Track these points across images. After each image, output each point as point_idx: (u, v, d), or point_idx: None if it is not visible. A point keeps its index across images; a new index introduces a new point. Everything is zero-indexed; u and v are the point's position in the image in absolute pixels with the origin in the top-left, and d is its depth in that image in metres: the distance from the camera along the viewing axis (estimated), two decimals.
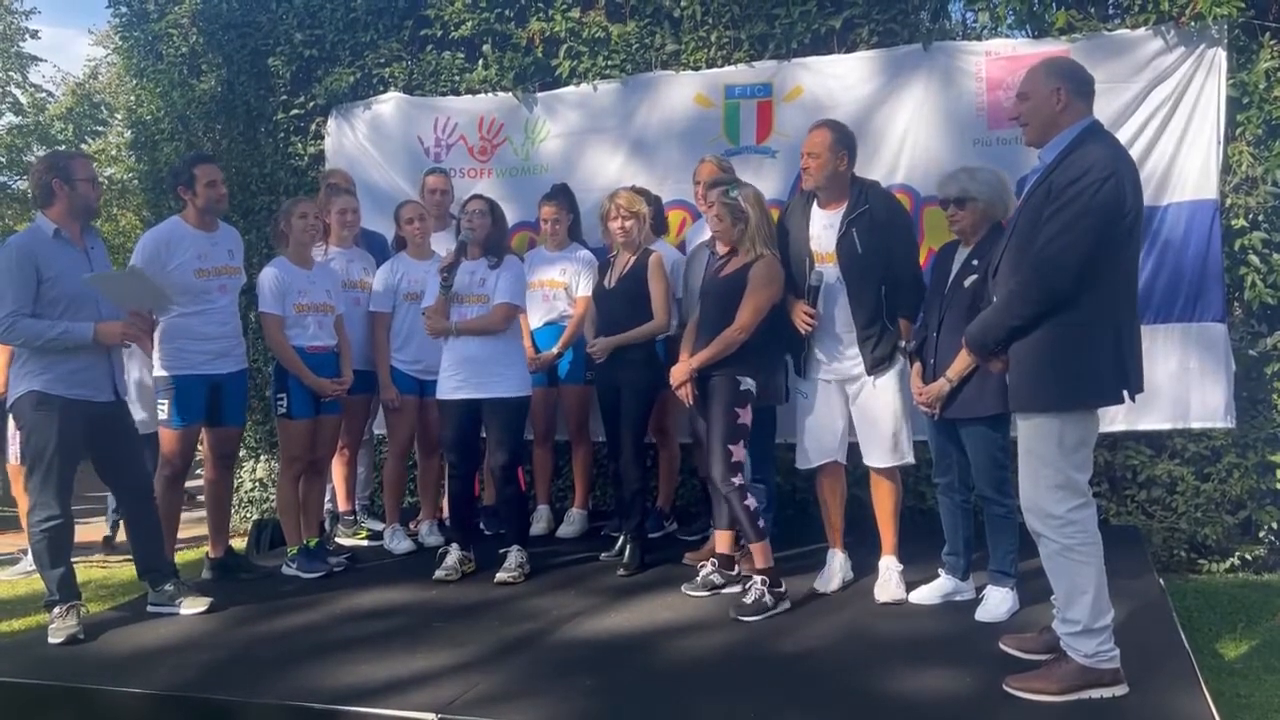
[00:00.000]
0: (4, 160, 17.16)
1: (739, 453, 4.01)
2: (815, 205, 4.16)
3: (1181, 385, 4.99)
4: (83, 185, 4.03)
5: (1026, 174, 3.15)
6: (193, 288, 4.50)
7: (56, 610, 3.95)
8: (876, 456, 4.11)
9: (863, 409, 4.11)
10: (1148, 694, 3.00)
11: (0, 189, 17.25)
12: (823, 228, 4.11)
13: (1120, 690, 2.98)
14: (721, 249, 4.21)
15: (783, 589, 3.99)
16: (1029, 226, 2.99)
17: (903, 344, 4.06)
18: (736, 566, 4.30)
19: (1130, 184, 2.95)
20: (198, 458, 5.11)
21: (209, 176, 4.56)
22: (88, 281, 3.94)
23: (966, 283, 3.73)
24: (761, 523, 4.02)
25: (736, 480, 4.00)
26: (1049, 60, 3.24)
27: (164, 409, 4.56)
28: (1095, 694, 2.96)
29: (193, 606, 4.18)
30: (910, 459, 4.14)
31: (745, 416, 4.04)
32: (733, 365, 4.04)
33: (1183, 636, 3.56)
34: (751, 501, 4.01)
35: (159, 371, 4.57)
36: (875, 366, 4.04)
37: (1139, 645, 3.27)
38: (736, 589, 4.20)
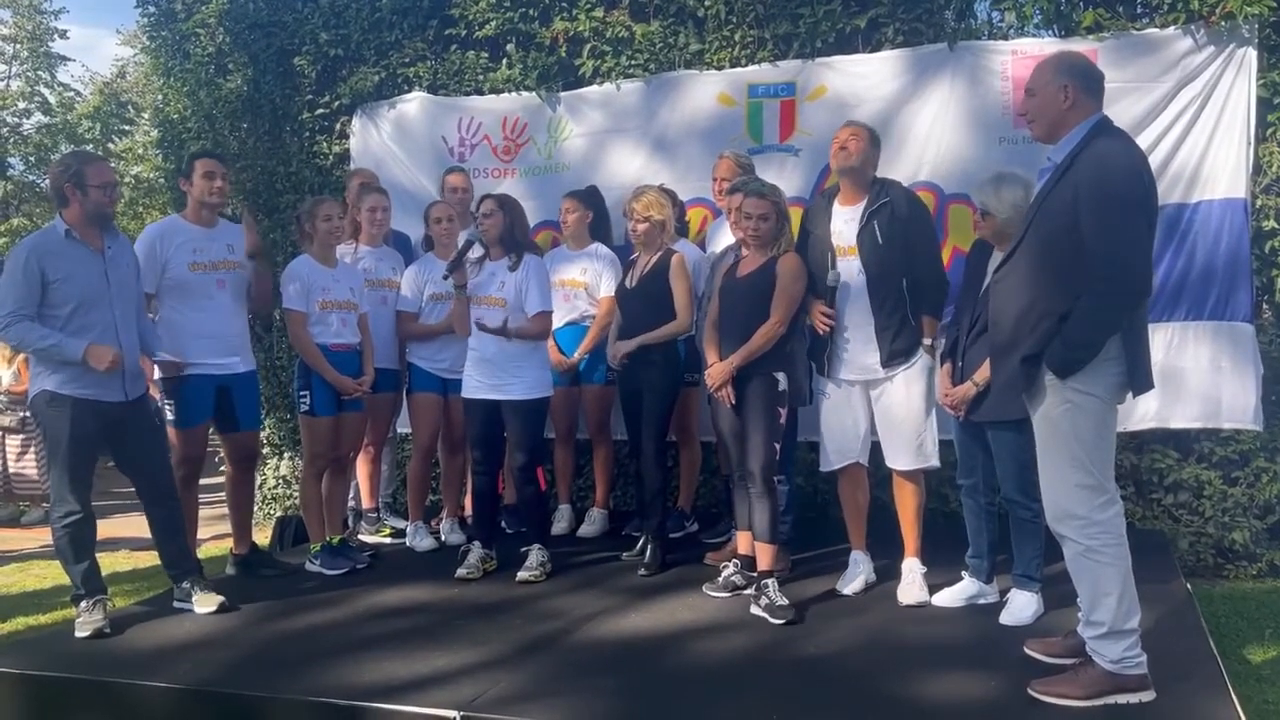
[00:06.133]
0: (33, 159, 17.39)
1: (777, 451, 4.05)
2: (835, 203, 4.16)
3: (1213, 383, 4.93)
4: (95, 192, 3.99)
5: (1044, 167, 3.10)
6: (187, 282, 4.49)
7: (83, 604, 3.98)
8: (899, 459, 4.09)
9: (885, 410, 4.09)
10: (1174, 700, 2.97)
11: (29, 187, 17.47)
12: (844, 222, 4.10)
13: (1147, 696, 2.95)
14: (746, 250, 4.20)
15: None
16: (1048, 232, 2.94)
17: (927, 342, 4.03)
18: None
19: (1149, 176, 2.93)
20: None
21: (205, 169, 4.57)
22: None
23: None
24: (782, 526, 4.02)
25: (777, 479, 4.04)
26: (1058, 55, 3.14)
27: (170, 409, 4.54)
28: (1121, 699, 2.94)
29: (203, 605, 4.18)
30: (935, 462, 4.11)
31: (783, 415, 4.06)
32: (768, 363, 4.03)
33: (1210, 642, 3.52)
34: (780, 503, 4.04)
35: (160, 374, 4.52)
36: (891, 359, 4.01)
37: (1166, 651, 3.24)
38: None
